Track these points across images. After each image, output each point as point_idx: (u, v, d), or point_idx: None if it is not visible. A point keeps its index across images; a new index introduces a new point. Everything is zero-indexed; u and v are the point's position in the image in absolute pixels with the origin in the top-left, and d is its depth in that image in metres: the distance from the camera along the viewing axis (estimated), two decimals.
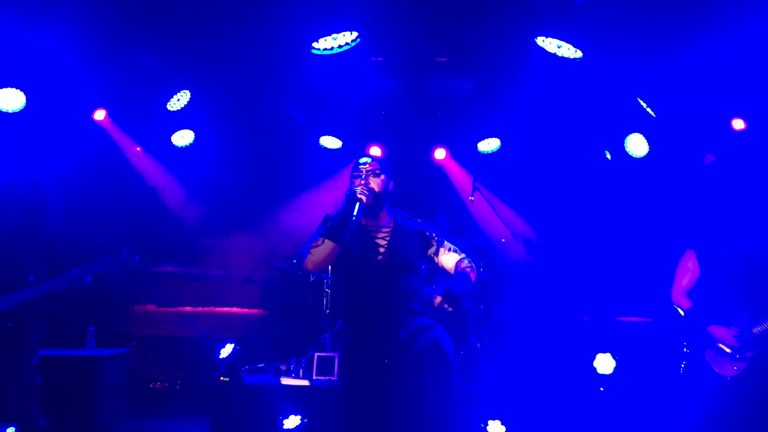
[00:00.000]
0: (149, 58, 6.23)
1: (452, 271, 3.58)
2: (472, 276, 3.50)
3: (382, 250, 3.49)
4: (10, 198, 4.17)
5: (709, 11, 5.57)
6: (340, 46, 5.63)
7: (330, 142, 7.86)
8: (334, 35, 5.63)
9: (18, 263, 4.08)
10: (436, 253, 3.63)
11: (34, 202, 4.22)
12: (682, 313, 4.57)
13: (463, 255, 3.63)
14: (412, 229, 3.59)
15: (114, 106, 6.95)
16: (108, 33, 6.01)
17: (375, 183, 3.53)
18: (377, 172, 3.56)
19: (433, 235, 3.65)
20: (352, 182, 3.57)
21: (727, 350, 4.29)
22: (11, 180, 4.21)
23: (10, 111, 6.04)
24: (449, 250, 3.64)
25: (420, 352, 3.38)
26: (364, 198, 3.42)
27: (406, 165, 7.45)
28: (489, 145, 7.86)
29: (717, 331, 4.34)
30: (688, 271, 4.56)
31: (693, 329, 4.46)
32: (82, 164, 6.85)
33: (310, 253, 3.45)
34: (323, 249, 3.41)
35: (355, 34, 5.61)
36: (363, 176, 3.54)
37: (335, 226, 3.39)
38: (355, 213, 3.38)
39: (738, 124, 6.84)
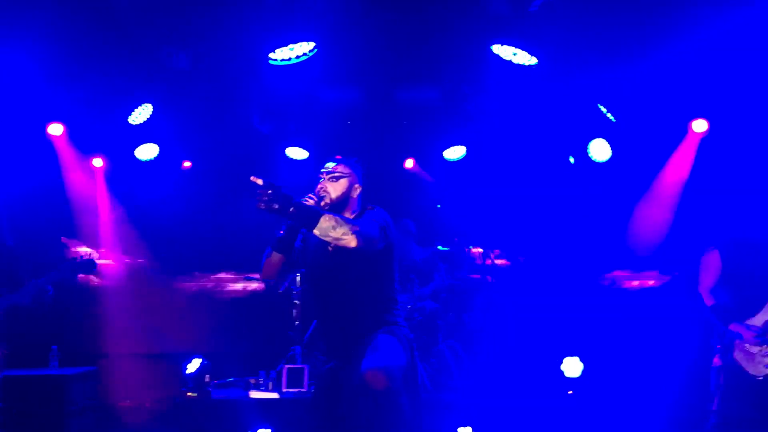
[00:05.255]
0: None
1: None
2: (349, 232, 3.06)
3: (328, 258, 3.41)
4: None
5: (666, 14, 5.66)
6: (297, 57, 5.64)
7: (296, 153, 7.85)
8: (290, 46, 5.64)
9: None
10: None
11: None
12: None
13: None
14: None
15: (74, 120, 6.88)
16: (68, 46, 5.97)
17: (332, 187, 3.44)
18: (336, 176, 3.47)
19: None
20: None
21: (754, 350, 4.25)
22: None
23: None
24: None
25: (357, 374, 3.16)
26: (311, 201, 3.31)
27: (373, 175, 7.44)
28: (454, 152, 7.91)
29: (738, 329, 4.30)
30: (711, 269, 4.50)
31: (716, 328, 4.43)
32: (44, 179, 6.78)
33: (264, 262, 3.43)
34: (272, 259, 3.39)
35: (312, 44, 5.63)
36: (323, 180, 3.47)
37: (282, 236, 3.34)
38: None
39: (699, 125, 6.93)
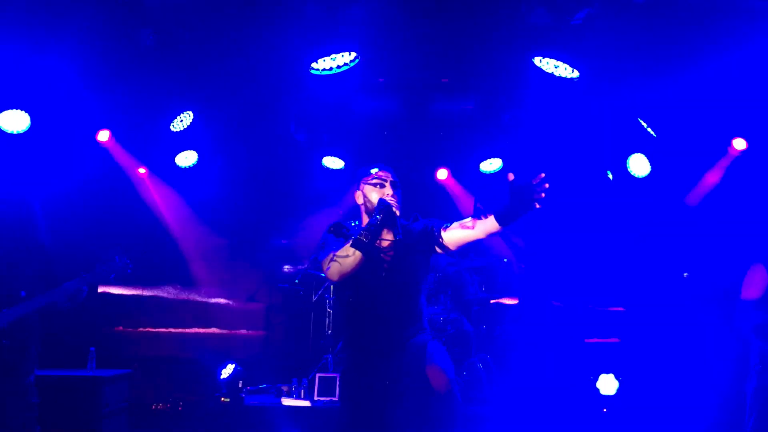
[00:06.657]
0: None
1: (476, 233, 3.30)
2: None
3: (386, 265, 3.38)
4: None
5: (707, 31, 5.60)
6: (338, 67, 5.69)
7: (332, 162, 7.89)
8: (332, 56, 5.70)
9: (10, 280, 4.04)
10: (444, 238, 3.37)
11: (22, 220, 4.21)
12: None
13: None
14: (415, 232, 3.45)
15: (118, 127, 7.01)
16: (112, 55, 6.09)
17: (398, 197, 3.44)
18: (397, 185, 3.47)
19: (433, 227, 3.42)
20: (358, 187, 3.48)
21: None
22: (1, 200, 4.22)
23: (15, 132, 6.11)
24: (459, 226, 3.35)
25: (417, 373, 3.22)
26: (397, 212, 3.32)
27: (408, 185, 7.43)
28: (491, 165, 7.87)
29: None
30: (755, 285, 4.37)
31: (755, 348, 4.33)
32: (85, 183, 6.90)
33: (336, 262, 3.27)
34: (352, 260, 3.25)
35: (353, 54, 5.67)
36: (389, 186, 3.43)
37: (371, 238, 3.26)
38: (392, 227, 3.27)
39: (739, 144, 6.87)
